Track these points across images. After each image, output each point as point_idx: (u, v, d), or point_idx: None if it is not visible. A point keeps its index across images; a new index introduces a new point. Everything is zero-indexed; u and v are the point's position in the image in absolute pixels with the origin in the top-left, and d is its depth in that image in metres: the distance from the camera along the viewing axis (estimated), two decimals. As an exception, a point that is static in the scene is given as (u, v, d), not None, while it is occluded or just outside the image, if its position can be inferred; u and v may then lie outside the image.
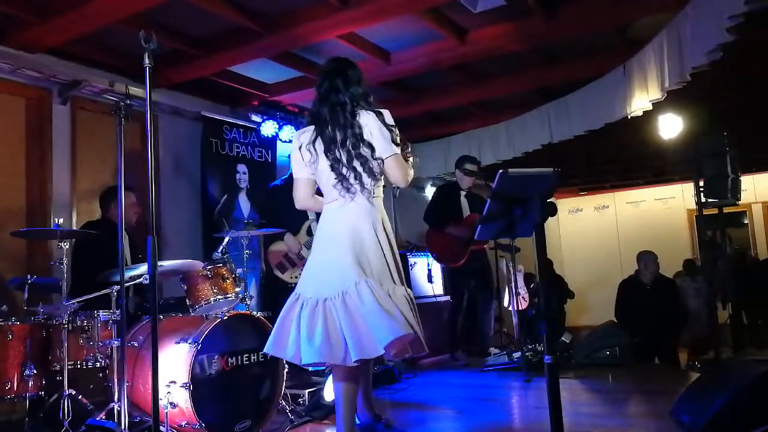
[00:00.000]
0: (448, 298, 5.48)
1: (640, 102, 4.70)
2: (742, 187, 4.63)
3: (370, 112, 2.55)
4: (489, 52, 4.76)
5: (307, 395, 3.65)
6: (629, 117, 4.93)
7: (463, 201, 5.25)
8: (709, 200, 4.71)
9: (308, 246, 4.42)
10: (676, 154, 6.33)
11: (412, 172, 2.69)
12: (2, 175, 4.11)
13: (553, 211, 1.67)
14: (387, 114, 2.58)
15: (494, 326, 5.39)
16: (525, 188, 1.69)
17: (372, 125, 2.52)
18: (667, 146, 6.06)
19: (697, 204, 4.76)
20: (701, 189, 4.68)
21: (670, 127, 5.65)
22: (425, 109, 6.17)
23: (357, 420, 2.78)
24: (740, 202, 4.84)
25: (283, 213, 4.34)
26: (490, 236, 1.94)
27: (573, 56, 5.22)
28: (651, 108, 4.73)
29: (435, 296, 5.38)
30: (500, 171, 1.69)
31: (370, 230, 2.54)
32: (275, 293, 4.54)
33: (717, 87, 5.22)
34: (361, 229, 2.54)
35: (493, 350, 5.28)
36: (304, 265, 4.32)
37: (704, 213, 4.80)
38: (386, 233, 2.60)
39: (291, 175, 4.65)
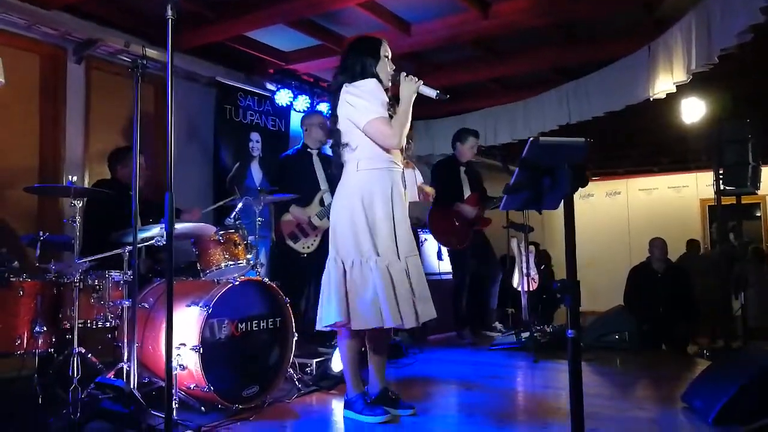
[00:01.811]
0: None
1: (663, 84, 4.59)
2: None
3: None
4: (511, 26, 4.65)
5: (314, 365, 3.65)
6: (651, 99, 4.82)
7: (463, 177, 5.19)
8: (728, 188, 4.63)
9: (320, 216, 4.38)
10: (697, 140, 6.21)
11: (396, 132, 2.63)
12: (16, 132, 4.07)
13: (584, 181, 1.62)
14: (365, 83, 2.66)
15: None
16: (555, 158, 1.64)
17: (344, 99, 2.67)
18: (688, 131, 5.95)
19: (715, 192, 4.67)
20: (720, 177, 4.59)
21: (693, 111, 5.53)
22: (442, 83, 6.03)
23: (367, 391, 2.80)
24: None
25: (295, 183, 4.31)
26: (516, 207, 1.90)
27: (596, 35, 5.10)
28: (674, 91, 4.63)
29: (441, 273, 5.34)
30: (531, 138, 1.64)
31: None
32: (286, 263, 4.52)
33: (744, 70, 5.09)
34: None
35: (498, 326, 5.28)
36: (316, 235, 4.37)
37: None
38: (363, 205, 2.64)
39: (303, 144, 4.65)
